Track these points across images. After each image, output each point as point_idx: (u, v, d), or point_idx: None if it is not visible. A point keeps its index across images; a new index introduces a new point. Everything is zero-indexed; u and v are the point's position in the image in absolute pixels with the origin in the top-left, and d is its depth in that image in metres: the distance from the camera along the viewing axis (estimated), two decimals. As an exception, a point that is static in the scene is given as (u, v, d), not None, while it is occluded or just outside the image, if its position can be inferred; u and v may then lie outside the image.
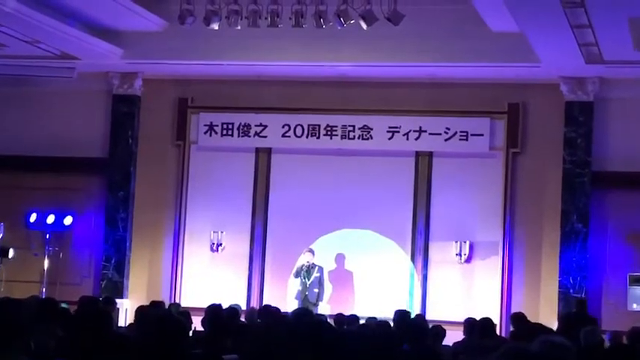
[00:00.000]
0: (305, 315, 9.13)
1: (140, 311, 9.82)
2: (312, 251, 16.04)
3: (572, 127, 15.96)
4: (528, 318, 12.70)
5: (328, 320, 10.46)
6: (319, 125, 16.74)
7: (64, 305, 10.20)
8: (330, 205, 16.67)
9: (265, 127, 16.89)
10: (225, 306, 11.08)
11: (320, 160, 16.86)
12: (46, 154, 17.43)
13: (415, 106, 16.47)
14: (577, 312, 13.87)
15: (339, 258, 16.70)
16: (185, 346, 4.81)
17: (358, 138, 16.65)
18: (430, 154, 16.62)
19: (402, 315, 11.11)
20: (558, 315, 15.30)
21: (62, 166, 17.43)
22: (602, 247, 15.91)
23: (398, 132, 16.49)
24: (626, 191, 15.87)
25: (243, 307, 14.88)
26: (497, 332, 12.85)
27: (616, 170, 15.91)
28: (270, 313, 11.36)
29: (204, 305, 10.70)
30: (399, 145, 16.50)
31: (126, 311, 16.41)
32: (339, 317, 12.17)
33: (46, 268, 17.13)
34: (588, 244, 15.72)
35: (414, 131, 16.45)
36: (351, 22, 12.94)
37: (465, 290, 16.27)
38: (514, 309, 15.76)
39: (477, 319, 10.43)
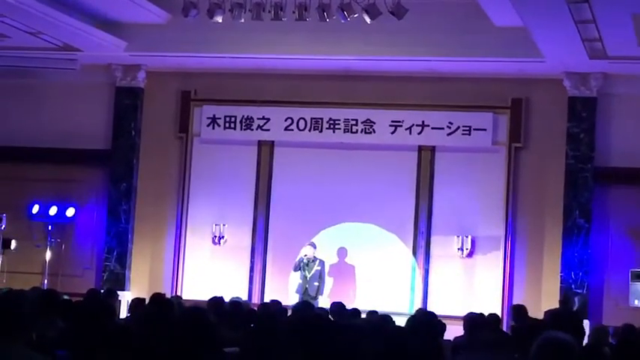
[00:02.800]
0: (302, 309, 9.11)
1: (136, 303, 9.74)
2: (313, 245, 16.02)
3: (575, 122, 15.94)
4: (530, 313, 12.71)
5: (329, 314, 10.49)
6: (322, 119, 16.72)
7: (65, 297, 10.19)
8: (333, 199, 16.66)
9: (268, 120, 16.88)
10: (226, 299, 11.08)
11: (322, 154, 16.85)
12: (48, 145, 17.43)
13: (418, 100, 16.45)
14: (564, 310, 13.19)
15: (341, 252, 16.68)
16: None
17: (361, 132, 16.63)
18: (433, 149, 16.60)
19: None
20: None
21: (65, 157, 17.43)
22: (605, 242, 15.90)
23: (401, 126, 16.48)
24: (629, 187, 15.85)
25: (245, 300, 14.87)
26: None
27: (619, 166, 15.89)
28: (268, 308, 11.32)
29: (206, 298, 10.73)
30: (402, 139, 16.48)
31: (127, 303, 16.41)
32: (340, 310, 12.14)
33: (47, 259, 17.14)
34: (590, 239, 15.70)
35: (417, 125, 16.44)
36: (355, 15, 12.92)
37: (467, 285, 16.26)
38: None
39: (478, 313, 10.38)
